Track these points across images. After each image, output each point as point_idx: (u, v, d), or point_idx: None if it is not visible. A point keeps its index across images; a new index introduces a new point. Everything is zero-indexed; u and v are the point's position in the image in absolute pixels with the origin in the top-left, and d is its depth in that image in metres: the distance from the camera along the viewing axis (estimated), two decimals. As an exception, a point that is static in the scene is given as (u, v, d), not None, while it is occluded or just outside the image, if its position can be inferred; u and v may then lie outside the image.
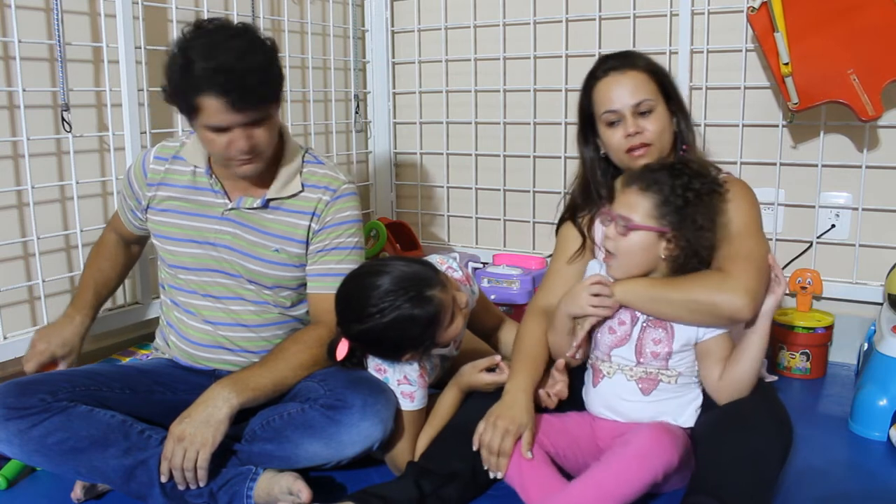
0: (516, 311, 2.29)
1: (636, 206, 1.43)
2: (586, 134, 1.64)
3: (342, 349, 1.53)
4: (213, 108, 1.44)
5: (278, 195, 1.63)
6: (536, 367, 1.55)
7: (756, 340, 1.42)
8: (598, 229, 1.67)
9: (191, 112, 1.48)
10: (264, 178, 1.62)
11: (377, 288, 1.47)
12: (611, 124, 1.56)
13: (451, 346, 1.68)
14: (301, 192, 1.64)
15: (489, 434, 1.45)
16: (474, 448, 1.46)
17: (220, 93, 1.42)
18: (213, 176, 1.64)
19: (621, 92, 1.54)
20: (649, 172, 1.44)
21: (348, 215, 1.66)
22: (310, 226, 1.63)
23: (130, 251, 1.89)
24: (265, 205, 1.63)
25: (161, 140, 2.15)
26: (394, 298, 1.46)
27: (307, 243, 1.64)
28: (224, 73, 1.42)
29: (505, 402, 1.49)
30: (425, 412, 1.61)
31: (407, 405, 1.56)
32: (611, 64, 1.58)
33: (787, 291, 2.28)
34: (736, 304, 1.39)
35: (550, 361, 1.59)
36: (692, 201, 1.40)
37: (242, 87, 1.43)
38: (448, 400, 1.62)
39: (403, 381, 1.56)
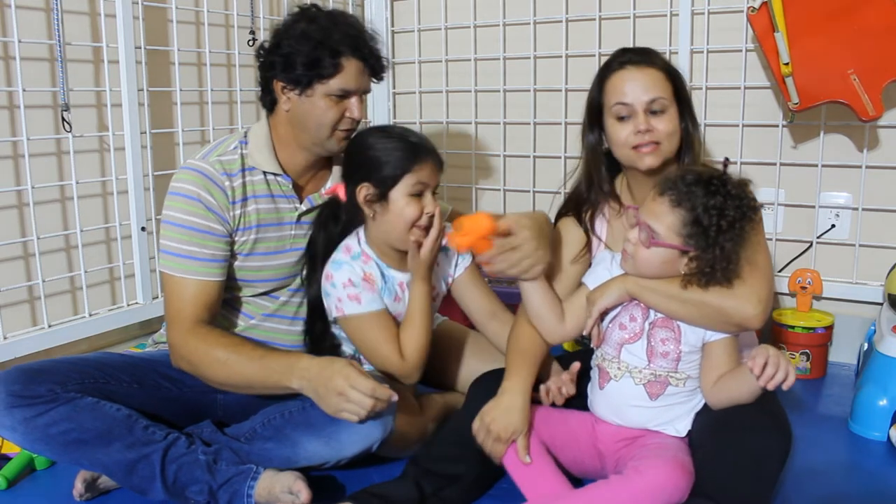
0: (515, 310, 2.29)
1: (664, 218, 1.37)
2: (592, 126, 1.61)
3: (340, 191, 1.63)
4: (354, 70, 1.58)
5: None
6: (533, 366, 1.54)
7: (747, 393, 1.38)
8: (600, 226, 1.67)
9: (326, 73, 1.56)
10: (322, 173, 1.72)
11: (404, 129, 1.62)
12: (620, 118, 1.53)
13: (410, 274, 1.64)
14: None
15: (481, 437, 1.45)
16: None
17: (362, 57, 1.59)
18: (291, 179, 1.65)
19: (636, 86, 1.51)
20: (684, 184, 1.36)
21: None
22: None
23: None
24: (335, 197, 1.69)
25: (161, 140, 2.18)
26: (407, 133, 1.60)
27: None
28: (366, 41, 1.61)
29: (501, 403, 1.47)
30: (389, 318, 1.60)
31: (355, 308, 1.56)
32: (628, 57, 1.56)
33: (787, 291, 2.29)
34: (748, 312, 1.38)
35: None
36: (724, 229, 1.34)
37: (378, 56, 1.64)
38: (416, 294, 1.60)
39: (348, 283, 1.56)
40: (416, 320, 1.59)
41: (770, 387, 1.30)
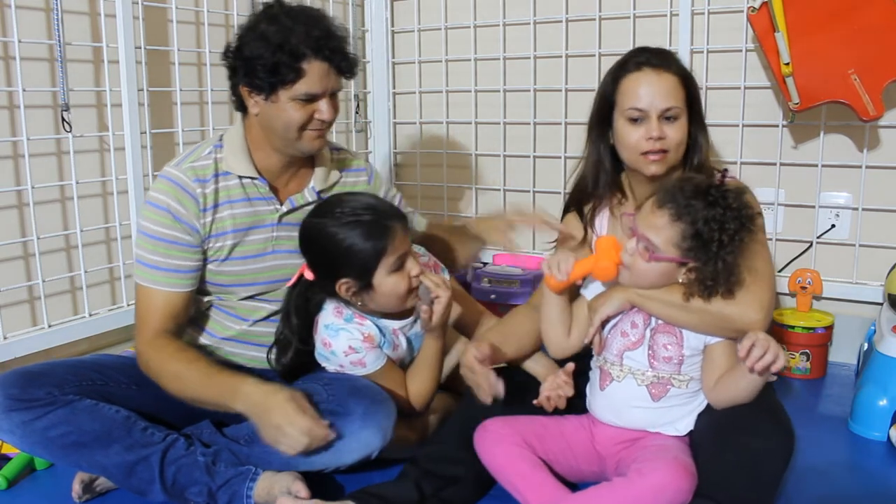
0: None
1: (663, 232, 1.37)
2: (601, 121, 1.59)
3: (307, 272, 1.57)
4: (319, 72, 1.50)
5: (326, 185, 1.68)
6: (499, 338, 1.57)
7: (745, 388, 1.38)
8: (600, 221, 1.67)
9: (288, 79, 1.49)
10: (304, 172, 1.67)
11: (351, 200, 1.54)
12: (633, 121, 1.52)
13: (408, 321, 1.63)
14: (341, 178, 1.72)
15: (468, 377, 1.49)
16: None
17: (325, 58, 1.50)
18: (267, 182, 1.62)
19: (652, 92, 1.49)
20: (683, 197, 1.36)
21: (386, 185, 1.84)
22: None
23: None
24: (319, 197, 1.65)
25: (161, 141, 2.18)
26: (358, 209, 1.51)
27: None
28: (330, 40, 1.51)
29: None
30: (393, 367, 1.61)
31: (360, 371, 1.56)
32: (646, 58, 1.53)
33: (787, 291, 2.29)
34: (750, 318, 1.38)
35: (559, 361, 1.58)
36: (725, 243, 1.34)
37: (345, 55, 1.54)
38: (429, 349, 1.62)
39: (350, 351, 1.55)
40: (426, 372, 1.61)
41: (758, 368, 1.29)
